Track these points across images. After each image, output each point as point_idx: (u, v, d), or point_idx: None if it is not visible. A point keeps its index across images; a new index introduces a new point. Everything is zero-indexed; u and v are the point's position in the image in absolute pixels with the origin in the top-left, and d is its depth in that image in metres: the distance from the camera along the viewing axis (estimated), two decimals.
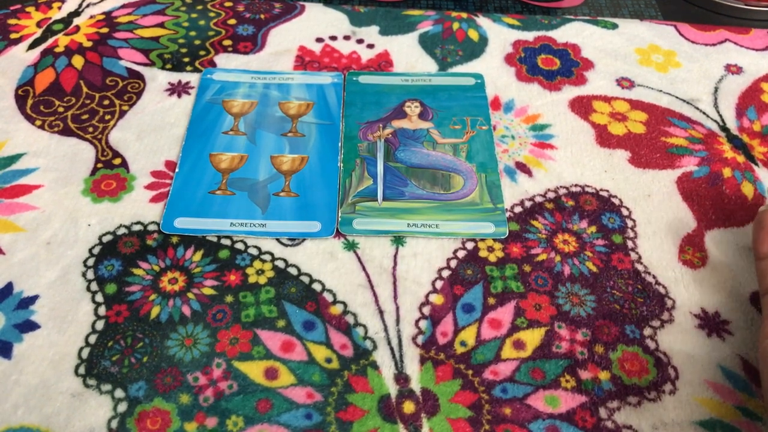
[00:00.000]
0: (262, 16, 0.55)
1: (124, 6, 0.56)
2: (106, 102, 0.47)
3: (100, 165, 0.43)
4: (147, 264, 0.38)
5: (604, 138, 0.46)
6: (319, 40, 0.54)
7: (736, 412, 0.33)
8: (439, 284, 0.38)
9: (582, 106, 0.48)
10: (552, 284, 0.38)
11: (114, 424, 0.32)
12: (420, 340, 0.35)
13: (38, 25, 0.54)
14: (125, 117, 0.46)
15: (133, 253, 0.39)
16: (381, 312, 0.36)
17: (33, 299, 0.36)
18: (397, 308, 0.37)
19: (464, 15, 0.57)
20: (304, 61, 0.52)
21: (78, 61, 0.50)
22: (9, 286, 0.37)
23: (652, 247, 0.40)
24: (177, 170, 0.43)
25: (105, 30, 0.53)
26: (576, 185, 0.43)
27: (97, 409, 0.32)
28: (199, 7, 0.56)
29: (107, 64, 0.50)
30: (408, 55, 0.52)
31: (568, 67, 0.52)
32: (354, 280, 0.38)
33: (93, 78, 0.49)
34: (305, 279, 0.38)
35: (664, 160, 0.45)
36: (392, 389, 0.33)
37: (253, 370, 0.34)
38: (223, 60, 0.51)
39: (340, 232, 0.40)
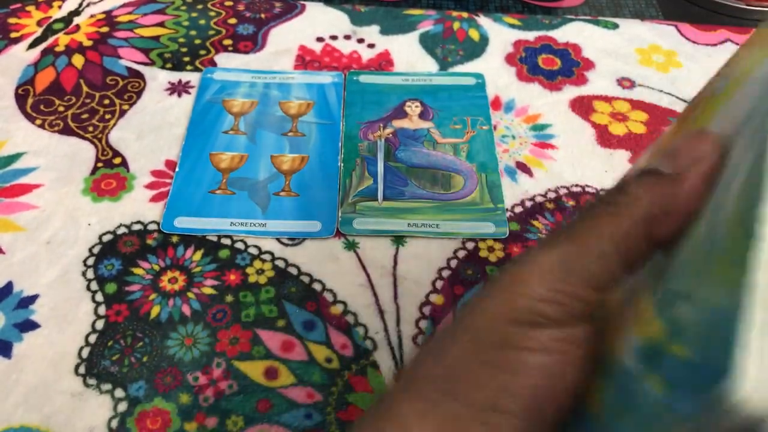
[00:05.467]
0: (263, 16, 0.55)
1: (124, 5, 0.56)
2: (107, 101, 0.47)
3: (100, 164, 0.43)
4: (147, 263, 0.38)
5: (605, 138, 0.46)
6: (320, 39, 0.53)
7: None
8: (439, 284, 0.38)
9: (583, 106, 0.48)
10: None
11: (114, 423, 0.32)
12: (420, 340, 0.35)
13: (38, 24, 0.54)
14: (125, 116, 0.46)
15: (133, 253, 0.39)
16: (381, 312, 0.36)
17: (33, 298, 0.36)
18: (398, 308, 0.37)
19: (465, 15, 0.56)
20: (305, 60, 0.51)
21: (78, 60, 0.50)
22: (9, 286, 0.37)
23: None
24: (177, 170, 0.43)
25: (105, 29, 0.53)
26: (576, 185, 0.43)
27: (97, 408, 0.32)
28: (200, 7, 0.56)
29: (107, 64, 0.50)
30: (408, 55, 0.52)
31: (569, 66, 0.52)
32: (354, 280, 0.38)
33: (93, 77, 0.49)
34: (305, 279, 0.38)
35: None
36: None
37: (253, 370, 0.34)
38: (223, 59, 0.51)
39: (340, 232, 0.40)
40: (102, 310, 0.36)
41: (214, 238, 0.39)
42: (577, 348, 0.18)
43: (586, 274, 0.17)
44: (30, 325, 0.35)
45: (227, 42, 0.53)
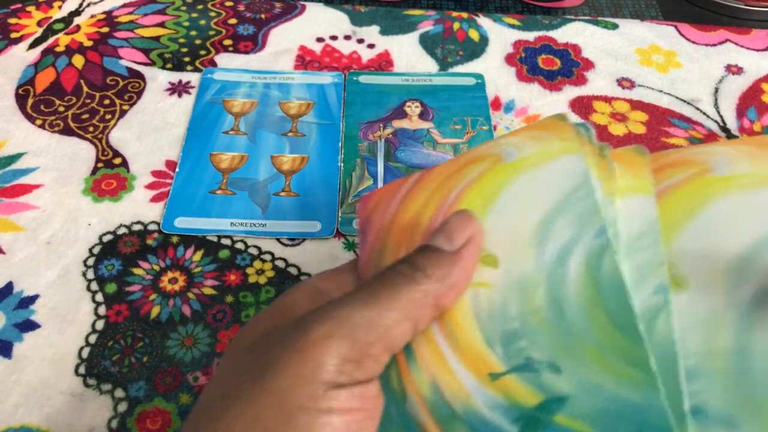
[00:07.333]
0: (263, 16, 0.55)
1: (124, 5, 0.56)
2: (107, 101, 0.47)
3: (100, 164, 0.43)
4: (147, 264, 0.38)
5: (605, 138, 0.46)
6: (320, 39, 0.53)
7: None
8: None
9: (582, 107, 0.48)
10: None
11: (114, 423, 0.32)
12: None
13: (39, 24, 0.54)
14: (126, 116, 0.46)
15: (134, 253, 0.39)
16: None
17: (33, 299, 0.36)
18: None
19: (465, 15, 0.56)
20: (305, 60, 0.52)
21: (78, 60, 0.50)
22: (9, 286, 0.37)
23: None
24: (177, 170, 0.43)
25: (105, 29, 0.53)
26: None
27: (98, 408, 0.32)
28: (200, 7, 0.56)
29: (108, 64, 0.50)
30: (408, 55, 0.52)
31: (569, 67, 0.52)
32: None
33: (93, 77, 0.49)
34: (305, 279, 0.38)
35: None
36: None
37: None
38: (223, 59, 0.51)
39: (340, 232, 0.40)
40: (102, 310, 0.36)
41: (214, 239, 0.39)
42: (374, 400, 0.19)
43: (385, 337, 0.19)
44: (30, 325, 0.35)
45: (227, 42, 0.53)
